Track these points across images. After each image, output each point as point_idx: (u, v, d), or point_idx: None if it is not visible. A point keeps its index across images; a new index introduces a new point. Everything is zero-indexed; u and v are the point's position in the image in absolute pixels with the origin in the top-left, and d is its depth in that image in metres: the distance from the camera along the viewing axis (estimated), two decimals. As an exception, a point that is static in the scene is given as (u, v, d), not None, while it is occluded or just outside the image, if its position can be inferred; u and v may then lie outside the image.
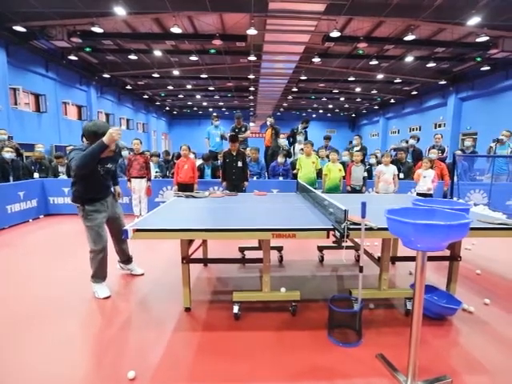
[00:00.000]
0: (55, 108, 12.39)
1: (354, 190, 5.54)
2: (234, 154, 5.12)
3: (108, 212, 2.91)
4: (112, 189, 3.09)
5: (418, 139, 7.34)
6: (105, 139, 2.43)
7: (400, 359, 1.91)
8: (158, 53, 11.67)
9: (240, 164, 5.13)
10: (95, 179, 2.74)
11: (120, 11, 8.08)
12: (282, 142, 7.52)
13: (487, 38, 9.30)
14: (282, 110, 25.65)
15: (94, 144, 2.46)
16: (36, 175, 6.26)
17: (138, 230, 2.15)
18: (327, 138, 7.61)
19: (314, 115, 28.10)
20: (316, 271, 3.52)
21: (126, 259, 3.33)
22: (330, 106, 24.53)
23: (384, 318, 2.54)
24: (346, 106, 24.05)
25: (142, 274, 3.36)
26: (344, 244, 2.05)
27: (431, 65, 12.56)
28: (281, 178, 6.38)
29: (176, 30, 8.86)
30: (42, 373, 1.89)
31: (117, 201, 3.12)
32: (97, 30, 8.98)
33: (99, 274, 2.88)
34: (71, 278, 3.24)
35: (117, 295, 2.89)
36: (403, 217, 1.51)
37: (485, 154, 7.26)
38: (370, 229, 2.13)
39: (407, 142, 7.46)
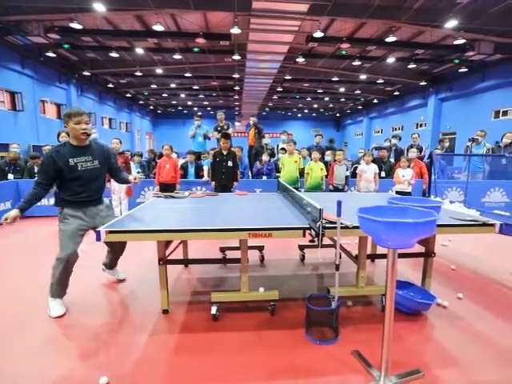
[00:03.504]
0: (33, 106, 11.96)
1: (336, 189, 5.60)
2: (225, 153, 5.04)
3: (92, 223, 2.57)
4: (110, 188, 2.89)
5: (400, 138, 7.52)
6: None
7: (375, 355, 1.93)
8: (140, 51, 11.46)
9: (230, 164, 5.05)
10: (75, 181, 2.49)
11: (99, 7, 7.88)
12: (266, 141, 7.53)
13: (464, 40, 9.61)
14: (267, 109, 25.69)
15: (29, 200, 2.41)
16: (10, 176, 6.03)
17: (111, 232, 2.10)
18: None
19: (299, 115, 28.30)
20: (296, 270, 3.54)
21: (112, 265, 3.18)
22: (315, 106, 24.74)
23: (361, 315, 2.57)
24: (331, 105, 24.30)
25: (124, 280, 3.23)
26: (320, 243, 2.06)
27: (412, 66, 12.87)
28: (264, 178, 6.39)
29: (158, 27, 8.73)
30: (10, 381, 1.81)
31: (109, 210, 2.80)
32: (76, 26, 8.71)
33: (55, 289, 2.51)
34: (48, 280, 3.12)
35: (92, 298, 2.81)
36: (376, 215, 1.53)
37: (463, 152, 7.51)
38: (346, 227, 2.15)
39: (390, 141, 7.62)
